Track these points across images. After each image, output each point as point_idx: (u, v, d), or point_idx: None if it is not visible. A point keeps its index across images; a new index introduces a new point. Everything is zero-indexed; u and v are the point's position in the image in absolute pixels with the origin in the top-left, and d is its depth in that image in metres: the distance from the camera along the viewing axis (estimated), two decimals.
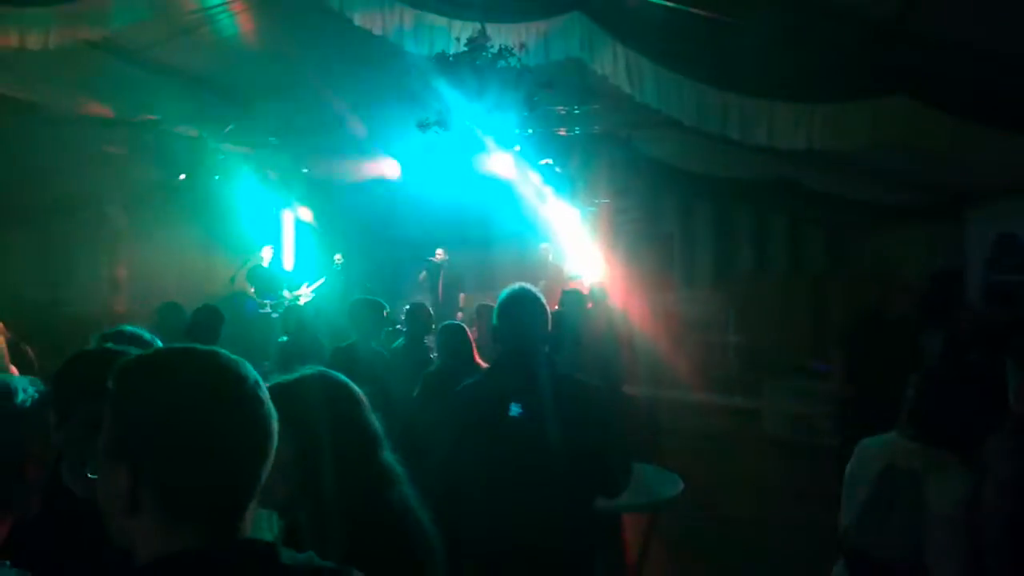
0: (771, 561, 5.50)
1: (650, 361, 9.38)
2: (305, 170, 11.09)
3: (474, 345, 4.74)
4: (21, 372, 5.55)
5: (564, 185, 10.05)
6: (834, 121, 4.90)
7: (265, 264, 10.74)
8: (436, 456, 2.60)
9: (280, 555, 1.13)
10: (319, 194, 11.59)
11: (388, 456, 1.79)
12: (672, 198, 11.85)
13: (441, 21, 5.59)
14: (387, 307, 5.59)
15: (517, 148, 9.32)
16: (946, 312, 5.77)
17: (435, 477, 2.47)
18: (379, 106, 9.61)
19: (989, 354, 4.93)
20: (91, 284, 10.57)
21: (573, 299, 6.74)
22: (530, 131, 9.18)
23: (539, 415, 2.46)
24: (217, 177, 10.17)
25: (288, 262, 11.65)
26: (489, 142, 6.36)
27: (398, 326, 9.49)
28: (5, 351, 5.41)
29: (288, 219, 11.80)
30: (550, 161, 9.95)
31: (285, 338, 6.43)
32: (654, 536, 4.79)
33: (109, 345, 2.02)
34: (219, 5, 7.05)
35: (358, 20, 5.62)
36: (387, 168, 11.13)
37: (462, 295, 11.19)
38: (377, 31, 5.60)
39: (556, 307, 6.64)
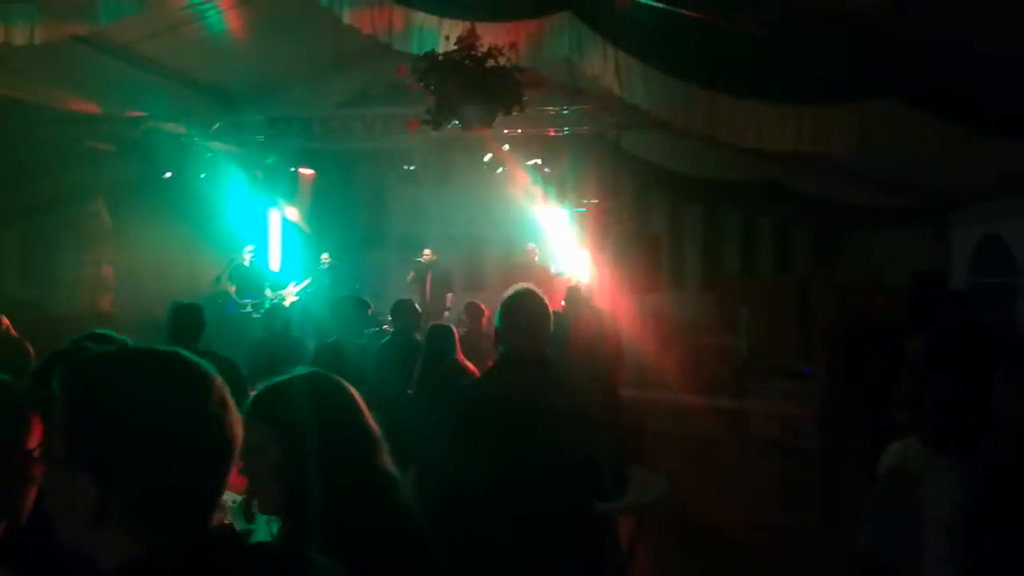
0: (757, 562, 5.52)
1: (637, 362, 9.40)
2: (293, 169, 11.04)
3: (458, 345, 4.74)
4: (19, 368, 5.51)
5: (553, 185, 10.07)
6: (822, 124, 4.92)
7: (247, 263, 10.67)
8: (432, 457, 2.58)
9: (246, 544, 1.12)
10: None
11: (386, 459, 1.75)
12: (661, 199, 11.89)
13: (431, 20, 5.58)
14: (371, 305, 5.59)
15: (506, 148, 9.36)
16: (930, 314, 5.81)
17: (434, 479, 2.45)
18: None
19: (974, 357, 4.97)
20: (76, 283, 10.49)
21: (578, 296, 6.76)
22: (519, 131, 9.21)
23: (542, 417, 2.45)
24: (203, 175, 10.12)
25: (274, 261, 11.58)
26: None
27: (384, 326, 9.49)
28: None
29: (275, 218, 11.74)
30: (539, 161, 9.97)
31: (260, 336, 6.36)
32: (641, 537, 4.80)
33: (88, 344, 1.99)
34: (206, 2, 7.03)
35: (347, 19, 5.60)
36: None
37: (450, 295, 11.18)
38: (367, 30, 5.58)
39: (560, 305, 6.64)
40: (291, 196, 11.37)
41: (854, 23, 4.55)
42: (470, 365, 4.74)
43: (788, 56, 4.88)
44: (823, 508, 6.16)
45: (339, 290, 10.74)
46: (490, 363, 2.80)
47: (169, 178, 9.73)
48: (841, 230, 10.92)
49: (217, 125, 9.98)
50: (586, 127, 9.33)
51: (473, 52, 5.46)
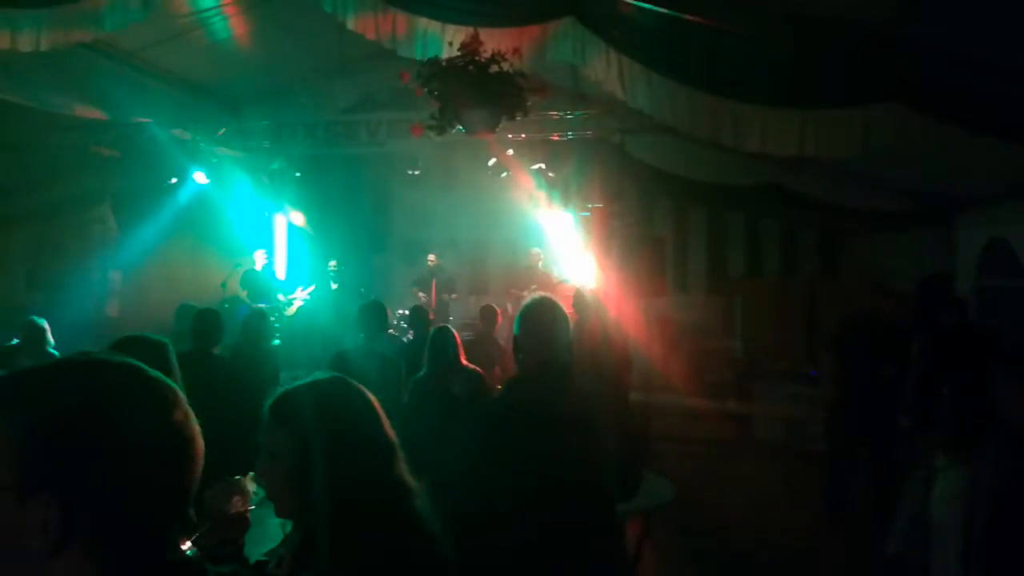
0: (763, 565, 5.51)
1: (642, 366, 9.39)
2: (298, 174, 11.07)
3: (461, 349, 4.75)
4: None
5: (557, 190, 10.07)
6: (826, 128, 4.91)
7: (258, 268, 10.71)
8: (446, 468, 2.56)
9: (208, 572, 1.07)
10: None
11: (403, 468, 1.71)
12: (665, 203, 11.88)
13: (435, 26, 5.59)
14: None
15: (511, 152, 9.37)
16: (936, 317, 5.79)
17: (457, 492, 2.44)
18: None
19: (970, 362, 4.96)
20: (83, 288, 10.52)
21: (585, 301, 6.77)
22: (523, 136, 9.22)
23: (567, 425, 2.45)
24: (209, 181, 10.15)
25: (280, 267, 11.61)
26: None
27: (391, 331, 9.50)
28: None
29: (280, 223, 11.77)
30: (543, 165, 9.98)
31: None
32: (646, 540, 4.79)
33: (89, 351, 1.98)
34: (212, 9, 7.05)
35: (351, 24, 5.61)
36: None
37: (454, 295, 11.19)
38: (370, 36, 5.59)
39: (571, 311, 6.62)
40: (296, 201, 11.41)
41: (858, 27, 4.54)
42: (474, 367, 4.75)
43: (792, 60, 4.87)
44: (830, 511, 6.15)
45: (346, 295, 10.79)
46: (497, 369, 2.81)
47: (175, 184, 9.77)
48: (846, 234, 10.88)
49: (222, 131, 10.02)
50: (590, 131, 9.33)
51: (476, 57, 5.48)
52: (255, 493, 1.93)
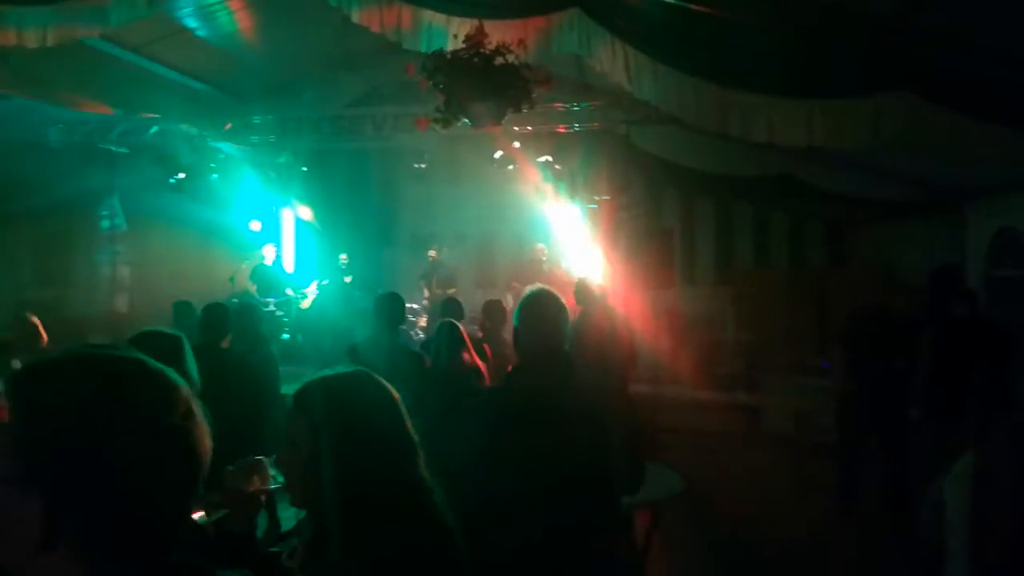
0: (772, 556, 5.49)
1: (651, 358, 9.37)
2: (304, 168, 11.09)
3: (469, 343, 4.74)
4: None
5: (563, 182, 10.05)
6: (835, 117, 4.88)
7: (268, 263, 10.74)
8: (454, 465, 2.57)
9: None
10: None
11: (422, 465, 1.68)
12: (672, 194, 11.85)
13: (440, 18, 5.57)
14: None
15: (517, 145, 9.35)
16: (946, 309, 5.77)
17: (465, 488, 2.44)
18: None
19: (985, 350, 4.93)
20: (92, 283, 10.58)
21: (590, 293, 6.73)
22: (529, 128, 9.19)
23: (569, 416, 2.45)
24: (216, 176, 10.17)
25: (288, 261, 11.64)
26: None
27: (402, 326, 9.50)
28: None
29: (288, 218, 11.79)
30: (549, 158, 9.95)
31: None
32: (656, 533, 4.78)
33: (96, 343, 1.98)
34: (217, 3, 7.05)
35: (356, 17, 5.61)
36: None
37: (452, 290, 11.17)
38: (376, 28, 5.58)
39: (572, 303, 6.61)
40: (303, 195, 11.42)
41: (867, 15, 4.50)
42: (479, 362, 4.73)
43: (800, 50, 4.84)
44: (839, 503, 6.13)
45: (356, 288, 10.81)
46: (510, 368, 2.80)
47: (183, 179, 9.79)
48: (855, 224, 10.83)
49: (229, 126, 10.03)
50: (596, 123, 9.30)
51: (482, 50, 5.45)
52: (274, 478, 1.94)
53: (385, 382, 1.74)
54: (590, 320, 6.48)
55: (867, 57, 4.67)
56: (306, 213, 11.74)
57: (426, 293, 11.13)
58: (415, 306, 10.99)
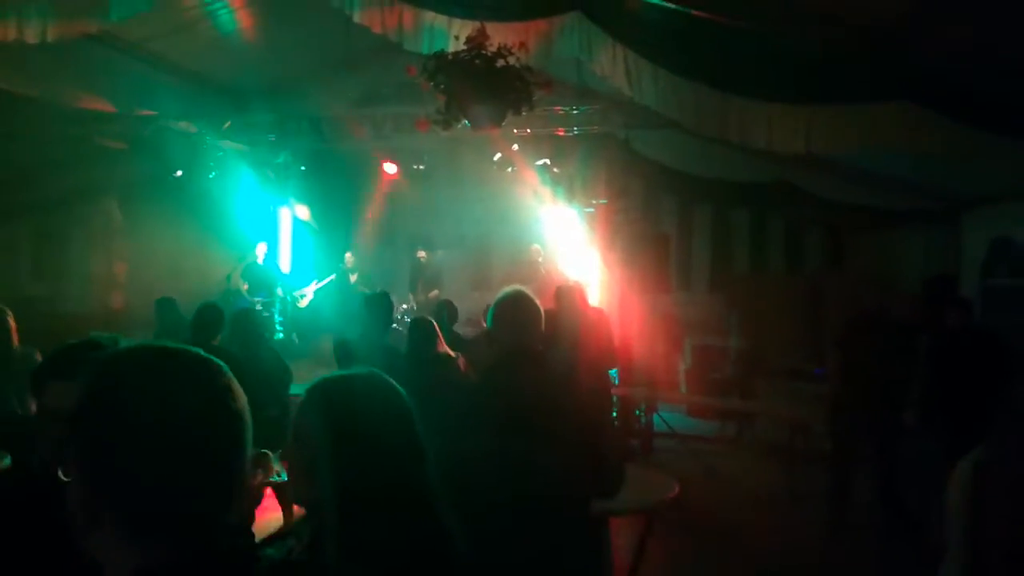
0: (764, 563, 5.50)
1: (647, 363, 9.38)
2: (303, 168, 11.08)
3: (440, 337, 4.83)
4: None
5: (562, 185, 10.05)
6: (833, 125, 4.90)
7: (260, 261, 10.72)
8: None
9: (262, 562, 1.07)
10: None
11: (429, 471, 1.65)
12: (670, 199, 11.86)
13: (441, 20, 5.58)
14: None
15: (515, 147, 9.36)
16: (940, 316, 5.78)
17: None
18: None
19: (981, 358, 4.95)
20: (87, 280, 10.56)
21: (569, 295, 6.71)
22: (528, 131, 9.20)
23: (535, 417, 2.47)
24: (214, 174, 10.16)
25: (284, 260, 11.62)
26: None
27: (394, 325, 9.50)
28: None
29: (285, 217, 11.78)
30: (548, 161, 9.96)
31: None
32: (649, 538, 4.78)
33: (94, 335, 1.99)
34: (219, 1, 7.05)
35: (357, 18, 5.61)
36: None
37: (434, 292, 11.16)
38: (376, 29, 5.59)
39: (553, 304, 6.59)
40: (301, 195, 11.41)
41: (867, 25, 4.52)
42: (451, 353, 4.83)
43: (799, 57, 4.86)
44: (833, 510, 6.14)
45: (360, 288, 10.81)
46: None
47: (180, 176, 9.78)
48: (852, 231, 10.86)
49: (228, 124, 10.02)
50: (595, 127, 9.31)
51: (483, 52, 5.46)
52: (278, 473, 1.93)
53: (397, 386, 1.72)
54: (563, 321, 6.45)
55: (866, 65, 4.69)
56: (304, 213, 11.73)
57: (410, 297, 11.15)
58: (405, 306, 10.93)
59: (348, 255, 11.26)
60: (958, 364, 5.07)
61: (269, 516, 2.97)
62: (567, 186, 10.13)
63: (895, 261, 9.90)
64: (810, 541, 5.91)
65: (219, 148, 10.20)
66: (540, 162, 9.90)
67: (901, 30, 4.35)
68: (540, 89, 5.82)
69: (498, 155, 9.87)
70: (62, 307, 10.14)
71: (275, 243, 11.35)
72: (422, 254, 11.53)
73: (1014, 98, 4.33)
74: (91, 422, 0.99)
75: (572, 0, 5.34)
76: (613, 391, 7.70)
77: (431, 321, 4.91)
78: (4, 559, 1.64)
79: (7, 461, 4.63)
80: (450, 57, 5.52)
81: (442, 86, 5.66)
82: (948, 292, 5.95)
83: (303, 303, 11.08)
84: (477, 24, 5.48)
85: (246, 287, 10.36)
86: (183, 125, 9.67)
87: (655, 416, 8.75)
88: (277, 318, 10.71)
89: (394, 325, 9.28)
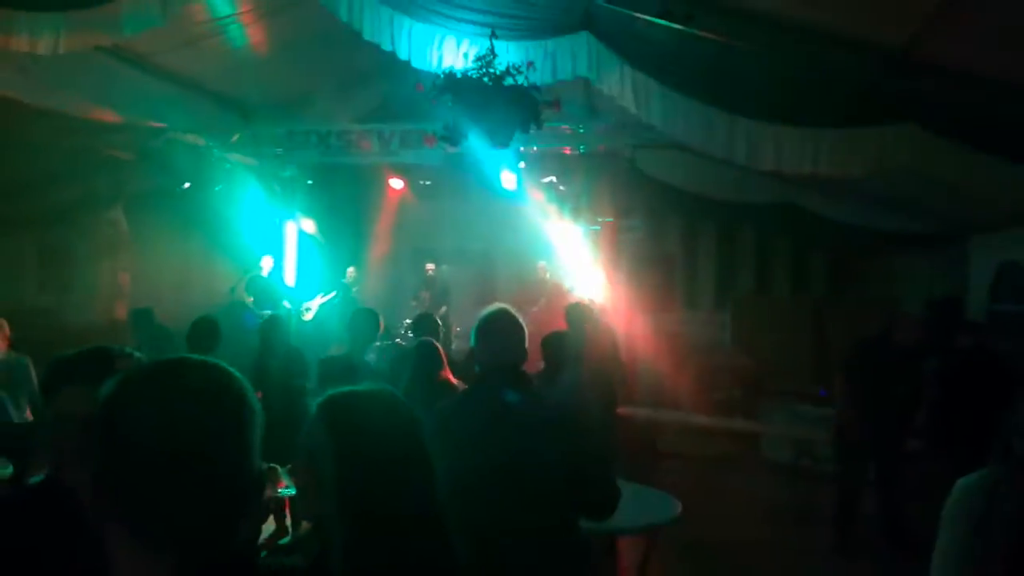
0: None
1: (650, 382, 9.35)
2: (310, 182, 11.11)
3: (446, 363, 4.69)
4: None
5: (567, 203, 10.06)
6: (841, 147, 4.90)
7: (265, 274, 10.73)
8: None
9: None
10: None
11: (437, 489, 1.63)
12: (675, 219, 11.86)
13: (449, 38, 5.61)
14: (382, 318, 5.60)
15: (523, 165, 9.37)
16: (948, 339, 5.75)
17: None
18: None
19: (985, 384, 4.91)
20: (93, 291, 10.57)
21: (578, 314, 6.70)
22: (535, 149, 9.22)
23: (513, 436, 2.45)
24: (220, 187, 10.18)
25: (290, 274, 11.63)
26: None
27: (396, 339, 9.50)
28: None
29: (291, 230, 11.80)
30: (554, 179, 9.98)
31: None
32: (652, 559, 4.75)
33: (104, 345, 1.98)
34: (229, 16, 7.10)
35: (366, 34, 5.65)
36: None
37: (443, 308, 11.14)
38: (386, 46, 5.62)
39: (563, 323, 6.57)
40: (307, 209, 11.44)
41: (876, 48, 4.54)
42: (455, 381, 4.67)
43: (807, 79, 4.87)
44: (839, 532, 6.09)
45: (359, 304, 10.80)
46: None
47: (187, 188, 9.81)
48: (858, 253, 10.84)
49: (236, 137, 10.06)
50: (602, 146, 9.33)
51: (491, 70, 5.49)
52: (286, 486, 1.92)
53: (403, 400, 1.71)
54: (577, 340, 6.44)
55: (874, 89, 4.70)
56: (309, 226, 11.75)
57: (414, 305, 11.13)
58: (408, 321, 10.91)
59: (350, 270, 11.26)
60: (967, 387, 5.03)
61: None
62: (572, 204, 10.15)
63: (900, 284, 9.88)
64: (815, 562, 5.86)
65: (226, 161, 10.23)
66: (546, 180, 9.92)
67: (908, 52, 4.36)
68: (548, 108, 5.85)
69: (504, 172, 9.90)
70: (67, 318, 10.15)
71: (281, 256, 11.37)
72: (431, 268, 11.51)
73: (1022, 121, 4.33)
74: (104, 435, 1.01)
75: (580, 20, 5.37)
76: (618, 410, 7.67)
77: (435, 345, 4.77)
78: (8, 568, 1.63)
79: (9, 470, 4.63)
80: (459, 75, 5.55)
81: (450, 103, 5.69)
82: (955, 315, 5.91)
83: (307, 316, 11.07)
84: (486, 42, 5.52)
85: (251, 300, 10.36)
86: (191, 138, 9.71)
87: (659, 436, 8.71)
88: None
89: (397, 340, 9.29)
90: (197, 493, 1.00)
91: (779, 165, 5.13)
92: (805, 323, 10.34)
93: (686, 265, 12.01)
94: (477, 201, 11.28)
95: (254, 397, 1.10)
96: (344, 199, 11.77)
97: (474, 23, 5.52)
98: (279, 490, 1.93)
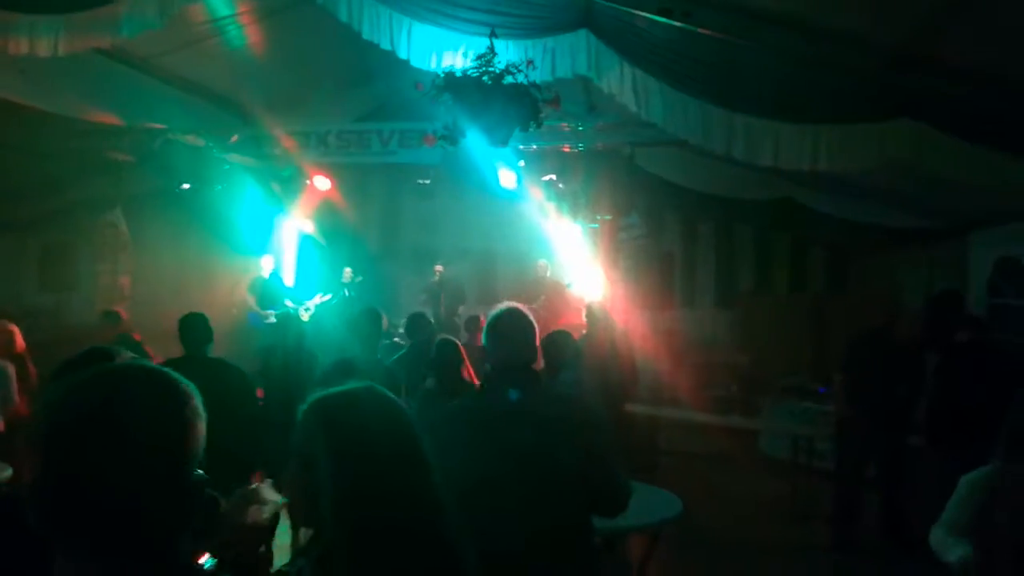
0: None
1: (650, 380, 9.35)
2: (309, 181, 11.10)
3: (466, 360, 4.72)
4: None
5: (566, 201, 10.06)
6: (841, 143, 4.90)
7: (266, 275, 10.74)
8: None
9: None
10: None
11: (437, 490, 1.61)
12: (674, 216, 11.87)
13: (449, 37, 5.61)
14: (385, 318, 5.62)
15: (522, 164, 9.37)
16: (947, 334, 5.75)
17: None
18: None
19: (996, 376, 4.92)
20: (93, 292, 10.57)
21: (599, 314, 6.73)
22: (534, 147, 9.22)
23: (527, 434, 2.46)
24: (220, 187, 10.18)
25: (289, 274, 11.64)
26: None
27: (395, 339, 9.49)
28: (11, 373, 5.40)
29: (290, 231, 11.81)
30: (553, 177, 9.98)
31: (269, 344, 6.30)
32: (653, 556, 4.76)
33: (98, 346, 1.98)
34: (228, 17, 7.10)
35: (366, 34, 5.65)
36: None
37: (461, 308, 11.18)
38: (385, 45, 5.63)
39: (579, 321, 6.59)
40: (307, 209, 11.43)
41: (876, 44, 4.54)
42: (475, 379, 4.73)
43: (807, 76, 4.88)
44: (839, 529, 6.10)
45: (358, 304, 10.80)
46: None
47: (187, 189, 9.80)
48: (857, 250, 10.85)
49: (235, 137, 10.05)
50: (601, 143, 9.33)
51: (490, 68, 5.49)
52: (276, 501, 1.90)
53: (394, 399, 1.68)
54: (593, 340, 6.49)
55: (874, 84, 4.71)
56: (309, 227, 11.75)
57: (423, 302, 11.13)
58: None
59: (347, 270, 11.25)
60: (968, 381, 5.04)
61: None
62: (572, 202, 10.15)
63: (900, 280, 9.89)
64: (813, 559, 5.87)
65: (226, 161, 10.22)
66: (545, 178, 9.92)
67: (909, 48, 4.36)
68: (547, 106, 5.85)
69: (503, 170, 9.89)
70: (67, 319, 10.15)
71: (279, 257, 11.37)
72: (439, 268, 11.49)
73: (1022, 117, 4.34)
74: (49, 443, 1.01)
75: (580, 18, 5.37)
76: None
77: (456, 344, 4.80)
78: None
79: (9, 472, 4.64)
80: (458, 74, 5.55)
81: (449, 102, 5.69)
82: (955, 309, 5.91)
83: (304, 316, 11.07)
84: (486, 41, 5.52)
85: (254, 300, 10.37)
86: (190, 138, 9.70)
87: (658, 433, 8.71)
88: None
89: (395, 339, 9.29)
90: (140, 499, 1.00)
91: (777, 160, 5.13)
92: (804, 319, 10.34)
93: (685, 262, 12.02)
94: (476, 200, 11.29)
95: (196, 406, 1.11)
96: (343, 198, 11.76)
97: (474, 22, 5.52)
98: (268, 510, 1.91)
